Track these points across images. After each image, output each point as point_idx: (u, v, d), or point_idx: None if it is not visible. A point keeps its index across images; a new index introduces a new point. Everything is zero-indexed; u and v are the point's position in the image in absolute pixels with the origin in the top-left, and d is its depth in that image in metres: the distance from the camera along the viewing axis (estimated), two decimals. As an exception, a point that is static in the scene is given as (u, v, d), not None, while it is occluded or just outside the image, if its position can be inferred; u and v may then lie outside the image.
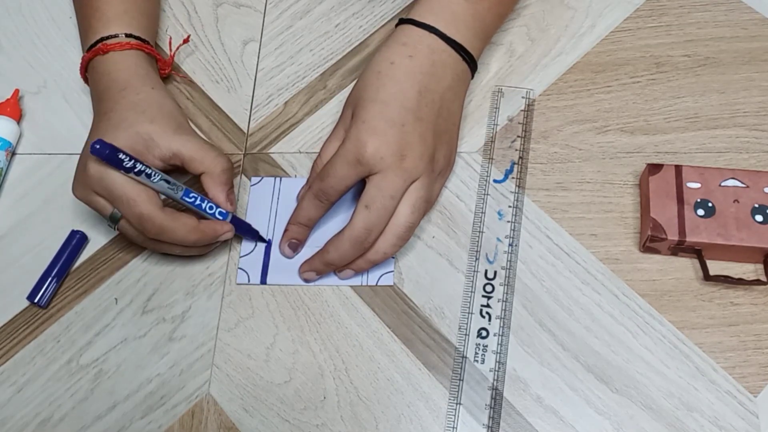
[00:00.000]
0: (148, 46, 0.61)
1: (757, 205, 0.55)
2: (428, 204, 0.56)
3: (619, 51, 0.65)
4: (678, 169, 0.57)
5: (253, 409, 0.54)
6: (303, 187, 0.60)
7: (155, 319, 0.57)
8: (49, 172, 0.63)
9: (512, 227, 0.58)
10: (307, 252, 0.58)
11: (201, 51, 0.68)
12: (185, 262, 0.59)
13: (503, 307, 0.56)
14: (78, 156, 0.57)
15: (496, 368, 0.54)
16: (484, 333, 0.55)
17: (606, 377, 0.53)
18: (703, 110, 0.62)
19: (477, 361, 0.54)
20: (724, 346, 0.54)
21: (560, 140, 0.62)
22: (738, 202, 0.55)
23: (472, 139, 0.63)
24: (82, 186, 0.55)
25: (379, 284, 0.57)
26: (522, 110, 0.63)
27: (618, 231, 0.58)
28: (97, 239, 0.60)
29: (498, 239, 0.58)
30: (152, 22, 0.65)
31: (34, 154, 0.65)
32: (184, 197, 0.55)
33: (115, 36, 0.59)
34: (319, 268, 0.57)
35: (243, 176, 0.62)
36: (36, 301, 0.57)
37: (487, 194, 0.60)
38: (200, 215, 0.55)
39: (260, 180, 0.62)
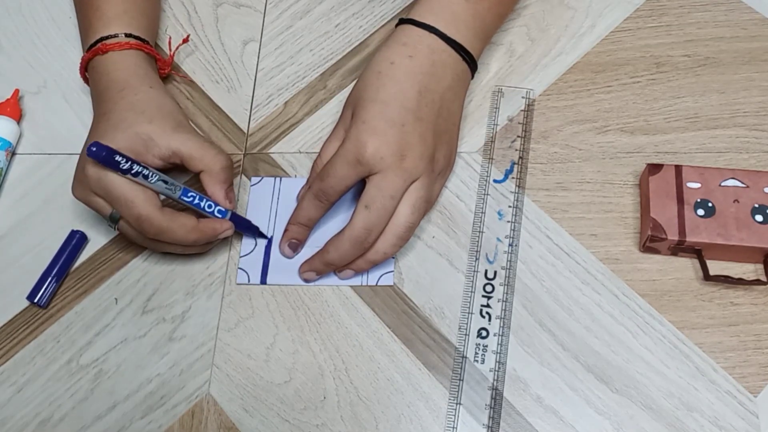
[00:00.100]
0: (147, 46, 0.61)
1: (757, 205, 0.55)
2: (428, 204, 0.56)
3: (619, 51, 0.65)
4: (678, 169, 0.57)
5: (253, 409, 0.54)
6: (303, 187, 0.60)
7: (155, 319, 0.57)
8: (49, 172, 0.63)
9: (512, 227, 0.58)
10: (307, 252, 0.58)
11: (201, 51, 0.68)
12: (185, 262, 0.59)
13: (503, 307, 0.56)
14: (78, 156, 0.57)
15: (496, 368, 0.54)
16: (484, 333, 0.55)
17: (606, 377, 0.53)
18: (703, 110, 0.62)
19: (477, 361, 0.54)
20: (724, 346, 0.54)
21: (560, 140, 0.62)
22: (738, 202, 0.55)
23: (472, 139, 0.63)
24: (81, 187, 0.55)
25: (379, 284, 0.57)
26: (522, 110, 0.63)
27: (618, 231, 0.58)
28: (97, 239, 0.60)
29: (498, 239, 0.58)
30: (152, 22, 0.65)
31: (34, 154, 0.65)
32: (182, 197, 0.55)
33: (115, 36, 0.59)
34: (319, 268, 0.57)
35: (243, 176, 0.62)
36: (36, 301, 0.57)
37: (487, 194, 0.60)
38: (200, 214, 0.55)
39: (260, 180, 0.62)
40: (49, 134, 0.65)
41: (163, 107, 0.57)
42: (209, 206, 0.55)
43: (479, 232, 0.58)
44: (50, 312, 0.58)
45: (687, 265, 0.57)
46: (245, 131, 0.65)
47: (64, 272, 0.59)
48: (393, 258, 0.58)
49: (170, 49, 0.67)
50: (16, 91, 0.66)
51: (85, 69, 0.61)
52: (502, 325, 0.55)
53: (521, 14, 0.67)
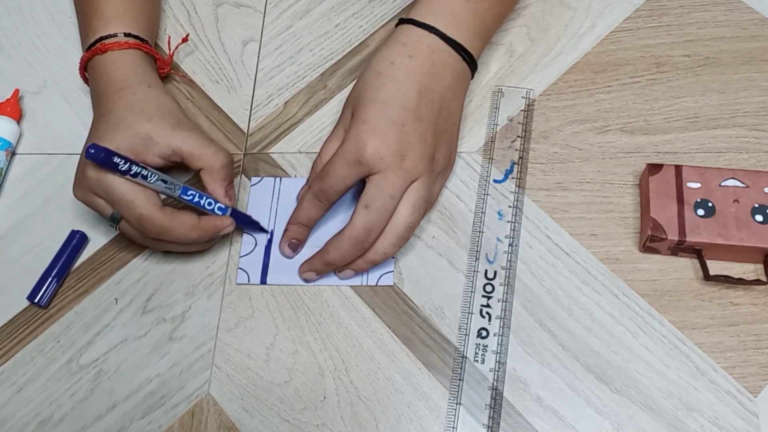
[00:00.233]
0: (146, 46, 0.61)
1: (757, 205, 0.55)
2: (428, 204, 0.56)
3: (619, 51, 0.65)
4: (678, 169, 0.57)
5: (253, 409, 0.54)
6: (303, 187, 0.60)
7: (155, 319, 0.57)
8: (49, 172, 0.63)
9: (512, 227, 0.58)
10: (307, 252, 0.58)
11: (201, 51, 0.68)
12: (185, 262, 0.59)
13: (503, 307, 0.56)
14: (78, 156, 0.57)
15: (496, 368, 0.54)
16: (484, 333, 0.55)
17: (606, 377, 0.53)
18: (703, 110, 0.62)
19: (477, 361, 0.54)
20: (724, 346, 0.54)
21: (560, 140, 0.62)
22: (738, 202, 0.55)
23: (472, 139, 0.63)
24: (82, 188, 0.55)
25: (379, 284, 0.57)
26: (522, 110, 0.63)
27: (618, 231, 0.58)
28: (97, 239, 0.60)
29: (498, 239, 0.58)
30: (152, 21, 0.65)
31: (34, 154, 0.65)
32: (182, 195, 0.55)
33: (114, 35, 0.59)
34: (319, 268, 0.57)
35: (243, 176, 0.62)
36: (36, 301, 0.57)
37: (487, 194, 0.60)
38: (200, 212, 0.55)
39: (260, 180, 0.62)
40: (49, 134, 0.65)
41: (162, 106, 0.57)
42: (209, 204, 0.55)
43: (479, 232, 0.58)
44: (50, 312, 0.58)
45: (687, 265, 0.57)
46: (245, 131, 0.65)
47: (64, 272, 0.59)
48: (393, 258, 0.58)
49: (170, 49, 0.67)
50: (16, 91, 0.66)
51: (85, 69, 0.61)
52: (502, 325, 0.55)
53: (521, 14, 0.67)
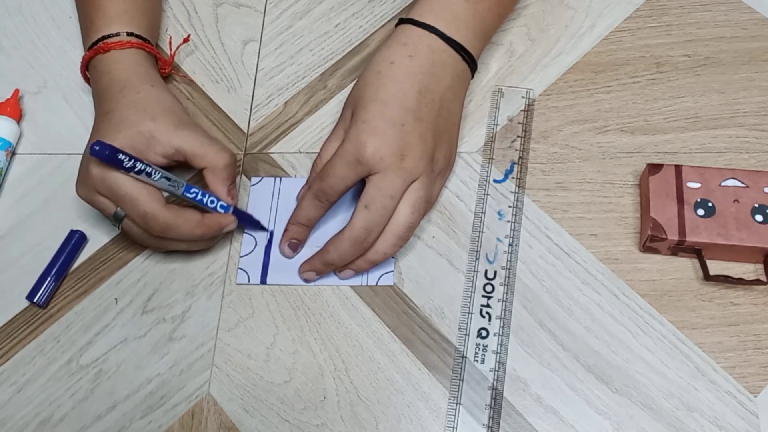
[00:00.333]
0: (148, 45, 0.61)
1: (757, 205, 0.55)
2: (428, 204, 0.56)
3: (619, 51, 0.65)
4: (678, 169, 0.57)
5: (253, 409, 0.54)
6: (303, 187, 0.60)
7: (155, 319, 0.57)
8: (49, 172, 0.63)
9: (512, 227, 0.58)
10: (307, 252, 0.58)
11: (201, 51, 0.68)
12: (185, 262, 0.59)
13: (503, 307, 0.56)
14: (79, 156, 0.57)
15: (496, 368, 0.54)
16: (484, 333, 0.55)
17: (606, 377, 0.53)
18: (703, 110, 0.62)
19: (477, 361, 0.54)
20: (724, 346, 0.54)
21: (560, 140, 0.62)
22: (738, 202, 0.55)
23: (472, 139, 0.63)
24: (85, 186, 0.55)
25: (379, 284, 0.57)
26: (522, 110, 0.63)
27: (618, 231, 0.58)
28: (97, 239, 0.60)
29: (498, 239, 0.58)
30: (154, 21, 0.65)
31: (34, 154, 0.65)
32: (185, 193, 0.55)
33: (117, 35, 0.59)
34: (319, 268, 0.57)
35: (243, 176, 0.62)
36: (35, 300, 0.57)
37: (487, 194, 0.60)
38: (203, 209, 0.55)
39: (260, 180, 0.62)
40: (49, 134, 0.65)
41: (165, 105, 0.57)
42: (212, 202, 0.55)
43: (479, 232, 0.58)
44: (50, 312, 0.58)
45: (687, 265, 0.57)
46: (245, 131, 0.65)
47: (63, 272, 0.59)
48: (393, 258, 0.58)
49: (170, 49, 0.67)
50: (16, 91, 0.66)
51: (86, 68, 0.61)
52: (502, 325, 0.55)
53: (521, 14, 0.67)
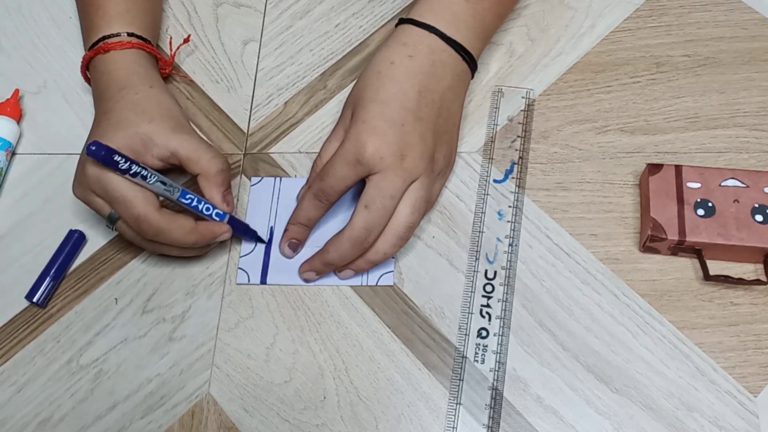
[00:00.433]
0: (149, 46, 0.61)
1: (757, 205, 0.55)
2: (428, 204, 0.56)
3: (619, 51, 0.65)
4: (678, 169, 0.57)
5: (253, 409, 0.54)
6: (303, 187, 0.60)
7: (155, 319, 0.57)
8: (49, 172, 0.63)
9: (512, 227, 0.58)
10: (307, 252, 0.58)
11: (201, 51, 0.68)
12: (185, 262, 0.59)
13: (503, 307, 0.56)
14: (78, 156, 0.57)
15: (496, 368, 0.54)
16: (484, 333, 0.55)
17: (606, 377, 0.53)
18: (703, 110, 0.62)
19: (477, 361, 0.54)
20: (724, 346, 0.54)
21: (560, 140, 0.62)
22: (738, 202, 0.55)
23: (472, 139, 0.63)
24: (81, 186, 0.55)
25: (379, 284, 0.57)
26: (522, 110, 0.63)
27: (618, 231, 0.58)
28: (97, 239, 0.60)
29: (498, 239, 0.58)
30: (154, 21, 0.65)
31: (34, 154, 0.65)
32: (180, 198, 0.54)
33: (117, 35, 0.59)
34: (319, 268, 0.57)
35: (243, 176, 0.62)
36: (34, 300, 0.57)
37: (487, 194, 0.60)
38: (198, 216, 0.55)
39: (260, 180, 0.62)
40: (49, 134, 0.65)
41: (163, 107, 0.57)
42: (207, 209, 0.55)
43: (479, 232, 0.58)
44: (50, 312, 0.58)
45: (687, 265, 0.57)
46: (245, 131, 0.65)
47: (62, 271, 0.59)
48: (393, 258, 0.58)
49: (171, 49, 0.67)
50: (16, 91, 0.66)
51: (87, 68, 0.61)
52: (502, 325, 0.55)
53: (521, 14, 0.67)
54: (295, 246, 0.58)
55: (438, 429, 0.53)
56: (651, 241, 0.55)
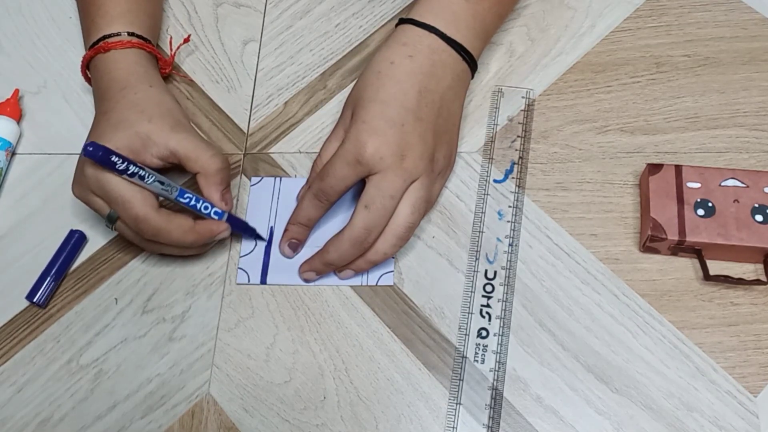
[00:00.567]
0: (149, 45, 0.61)
1: (757, 205, 0.55)
2: (428, 204, 0.56)
3: (619, 51, 0.65)
4: (678, 169, 0.57)
5: (253, 409, 0.54)
6: (303, 187, 0.60)
7: (155, 319, 0.57)
8: (49, 172, 0.63)
9: (512, 227, 0.58)
10: (307, 252, 0.58)
11: (201, 51, 0.68)
12: (185, 262, 0.59)
13: (503, 307, 0.56)
14: (78, 156, 0.57)
15: (496, 368, 0.54)
16: (484, 333, 0.55)
17: (606, 377, 0.53)
18: (703, 110, 0.62)
19: (477, 361, 0.54)
20: (724, 346, 0.54)
21: (560, 140, 0.62)
22: (738, 202, 0.55)
23: (472, 139, 0.63)
24: (81, 186, 0.55)
25: (379, 284, 0.57)
26: (522, 110, 0.63)
27: (618, 231, 0.58)
28: (97, 239, 0.60)
29: (498, 239, 0.58)
30: (155, 21, 0.65)
31: (34, 154, 0.65)
32: (178, 198, 0.54)
33: (118, 34, 0.59)
34: (319, 268, 0.57)
35: (243, 176, 0.62)
36: (35, 300, 0.57)
37: (487, 194, 0.60)
38: (197, 215, 0.55)
39: (260, 180, 0.62)
40: (49, 134, 0.65)
41: (163, 106, 0.57)
42: (206, 207, 0.55)
43: (479, 232, 0.58)
44: (50, 312, 0.58)
45: (687, 265, 0.57)
46: (245, 131, 0.65)
47: (62, 272, 0.59)
48: (393, 258, 0.58)
49: (171, 49, 0.67)
50: (16, 91, 0.66)
51: (87, 67, 0.61)
52: (502, 325, 0.55)
53: (521, 14, 0.67)
54: (295, 246, 0.58)
55: (438, 429, 0.53)
56: (651, 241, 0.55)
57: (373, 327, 0.56)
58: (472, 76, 0.60)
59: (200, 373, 0.55)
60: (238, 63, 0.68)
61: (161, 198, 0.55)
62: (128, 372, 0.55)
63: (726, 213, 0.55)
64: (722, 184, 0.56)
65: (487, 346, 0.55)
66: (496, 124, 0.63)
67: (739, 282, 0.55)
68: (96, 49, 0.59)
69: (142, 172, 0.53)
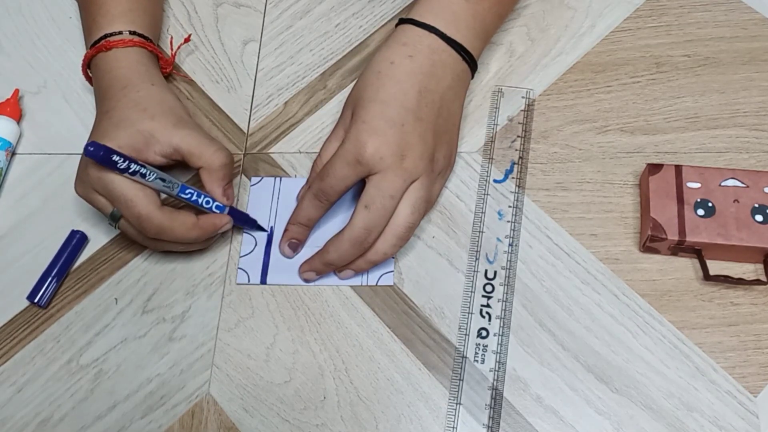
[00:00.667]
0: (150, 44, 0.61)
1: (757, 205, 0.55)
2: (428, 204, 0.56)
3: (619, 51, 0.65)
4: (678, 169, 0.57)
5: (253, 409, 0.54)
6: (303, 187, 0.60)
7: (155, 319, 0.57)
8: (49, 172, 0.63)
9: (512, 227, 0.58)
10: (307, 252, 0.58)
11: (201, 51, 0.68)
12: (185, 261, 0.59)
13: (503, 307, 0.56)
14: (79, 156, 0.57)
15: (496, 368, 0.54)
16: (484, 333, 0.55)
17: (606, 377, 0.53)
18: (703, 110, 0.62)
19: (477, 361, 0.54)
20: (724, 346, 0.54)
21: (560, 140, 0.62)
22: (738, 202, 0.55)
23: (472, 139, 0.63)
24: (83, 185, 0.55)
25: (379, 284, 0.57)
26: (522, 110, 0.63)
27: (618, 231, 0.58)
28: (97, 239, 0.60)
29: (498, 239, 0.58)
30: (156, 20, 0.65)
31: (34, 154, 0.65)
32: (180, 194, 0.55)
33: (119, 33, 0.59)
34: (319, 268, 0.57)
35: (243, 176, 0.62)
36: (36, 301, 0.57)
37: (487, 194, 0.60)
38: (199, 211, 0.55)
39: (260, 180, 0.62)
40: (49, 134, 0.65)
41: (165, 104, 0.57)
42: (207, 202, 0.55)
43: (479, 232, 0.58)
44: (50, 312, 0.58)
45: (687, 265, 0.57)
46: (245, 131, 0.65)
47: (64, 272, 0.59)
48: (393, 258, 0.58)
49: (171, 49, 0.67)
50: (16, 91, 0.66)
51: (88, 66, 0.61)
52: (502, 325, 0.55)
53: (521, 14, 0.67)
54: (295, 246, 0.58)
55: (438, 429, 0.53)
56: (651, 241, 0.55)
57: (373, 327, 0.56)
58: (472, 76, 0.60)
59: (200, 373, 0.55)
60: (238, 63, 0.68)
61: (163, 196, 0.55)
62: (128, 372, 0.55)
63: (726, 213, 0.55)
64: (722, 184, 0.56)
65: (487, 346, 0.55)
66: (496, 124, 0.63)
67: (739, 282, 0.55)
68: (97, 47, 0.59)
69: (143, 170, 0.53)
